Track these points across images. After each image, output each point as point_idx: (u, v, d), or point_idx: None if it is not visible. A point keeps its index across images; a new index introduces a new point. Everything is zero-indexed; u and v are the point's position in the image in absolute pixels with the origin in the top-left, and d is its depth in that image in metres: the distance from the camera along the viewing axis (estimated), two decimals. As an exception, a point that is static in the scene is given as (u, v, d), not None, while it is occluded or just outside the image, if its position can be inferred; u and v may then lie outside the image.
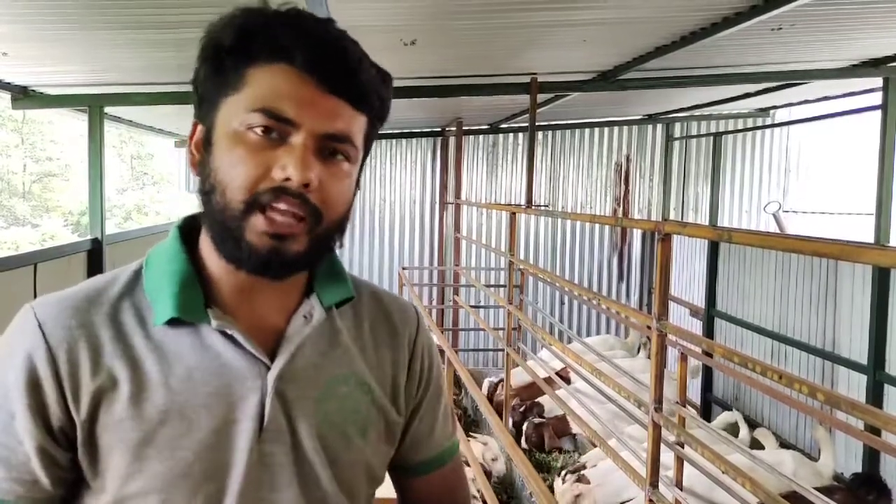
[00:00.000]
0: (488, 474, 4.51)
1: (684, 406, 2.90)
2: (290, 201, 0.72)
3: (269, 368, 0.78)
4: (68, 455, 0.73)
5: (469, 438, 5.01)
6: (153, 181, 23.89)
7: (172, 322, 0.75)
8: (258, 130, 0.72)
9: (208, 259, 0.80)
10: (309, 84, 0.73)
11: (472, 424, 6.29)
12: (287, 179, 0.71)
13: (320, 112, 0.73)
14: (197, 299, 0.77)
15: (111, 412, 0.72)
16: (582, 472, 4.18)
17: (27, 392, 0.71)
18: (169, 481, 0.72)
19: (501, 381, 5.78)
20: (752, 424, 5.36)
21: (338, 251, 0.84)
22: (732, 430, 4.92)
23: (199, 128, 0.78)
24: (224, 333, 0.76)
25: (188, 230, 0.82)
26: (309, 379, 0.80)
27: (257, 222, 0.72)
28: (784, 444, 4.84)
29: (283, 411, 0.78)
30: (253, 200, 0.72)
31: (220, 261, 0.78)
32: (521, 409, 5.67)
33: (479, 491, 3.82)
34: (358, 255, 8.57)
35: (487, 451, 5.06)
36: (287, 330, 0.81)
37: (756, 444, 4.48)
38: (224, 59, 0.75)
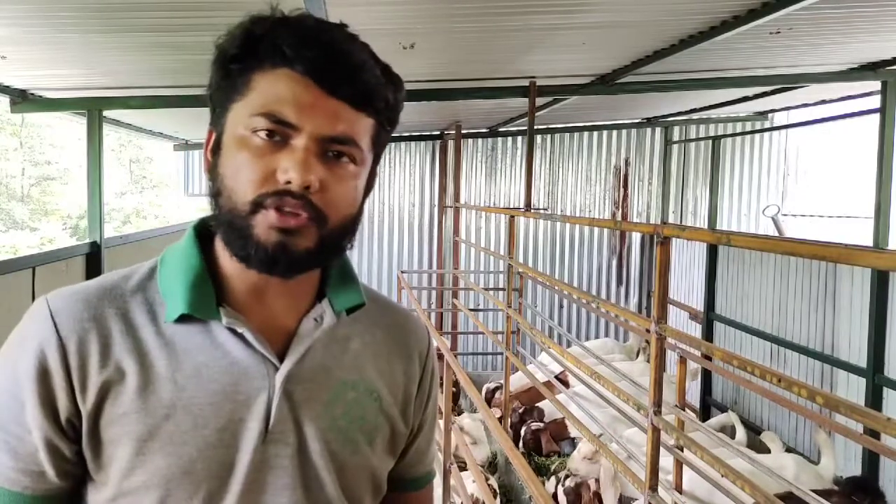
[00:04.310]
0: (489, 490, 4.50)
1: (683, 409, 2.90)
2: (293, 203, 0.73)
3: (277, 369, 0.78)
4: (75, 447, 0.73)
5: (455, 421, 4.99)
6: (152, 185, 23.89)
7: (184, 319, 0.76)
8: (262, 134, 0.73)
9: (222, 258, 0.81)
10: (310, 87, 0.74)
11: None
12: (289, 182, 0.72)
13: (321, 115, 0.74)
14: (209, 297, 0.77)
15: (117, 405, 0.72)
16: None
17: (37, 382, 0.71)
18: (170, 477, 0.72)
19: (500, 386, 5.78)
20: (752, 428, 5.36)
21: (348, 252, 0.85)
22: (730, 432, 4.92)
23: (213, 135, 0.80)
24: (234, 332, 0.77)
25: (204, 231, 0.83)
26: (318, 381, 0.81)
27: (265, 217, 0.73)
28: (784, 448, 4.83)
29: (291, 413, 0.78)
30: (258, 203, 0.73)
31: (231, 260, 0.79)
32: (521, 411, 5.66)
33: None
34: (357, 258, 8.56)
35: (465, 436, 5.05)
36: (297, 331, 0.82)
37: (763, 448, 4.48)
38: (230, 66, 0.76)
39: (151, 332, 0.76)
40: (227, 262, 0.80)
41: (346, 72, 0.75)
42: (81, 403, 0.72)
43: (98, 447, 0.73)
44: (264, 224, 0.73)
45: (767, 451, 4.42)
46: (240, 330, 0.77)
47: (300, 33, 0.74)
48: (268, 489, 0.76)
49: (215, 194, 0.76)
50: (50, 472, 0.72)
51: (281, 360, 0.79)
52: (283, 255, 0.74)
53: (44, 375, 0.72)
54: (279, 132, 0.73)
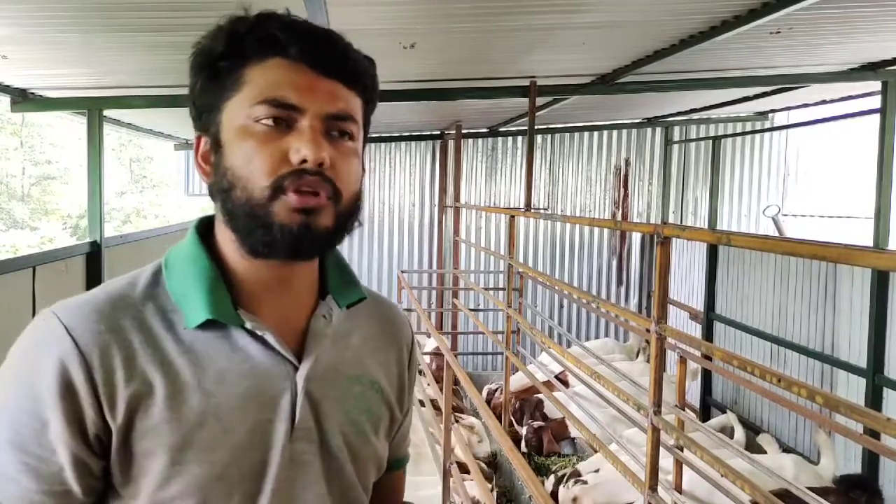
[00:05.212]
0: (486, 475, 4.50)
1: (683, 409, 2.90)
2: (311, 180, 0.74)
3: (296, 368, 0.80)
4: (102, 463, 0.72)
5: (456, 422, 5.00)
6: (152, 184, 23.88)
7: (203, 324, 0.76)
8: (267, 121, 0.74)
9: (230, 259, 0.81)
10: (305, 71, 0.76)
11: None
12: (304, 161, 0.74)
13: (321, 95, 0.76)
14: (226, 301, 0.78)
15: (148, 417, 0.72)
16: (580, 476, 4.18)
17: (61, 398, 0.69)
18: (206, 483, 0.73)
19: (500, 387, 5.78)
20: (752, 428, 5.35)
21: (348, 247, 0.86)
22: (730, 433, 4.92)
23: (203, 139, 0.80)
24: (254, 334, 0.78)
25: (204, 231, 0.83)
26: (330, 379, 0.83)
27: (286, 201, 0.74)
28: (784, 448, 4.83)
29: (312, 410, 0.80)
30: (277, 186, 0.74)
31: (243, 258, 0.79)
32: (518, 405, 5.66)
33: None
34: (357, 257, 8.57)
35: (473, 434, 5.06)
36: (310, 330, 0.83)
37: (759, 450, 4.48)
38: (219, 65, 0.77)
39: (171, 339, 0.75)
40: (238, 260, 0.80)
41: (335, 54, 0.78)
42: (110, 418, 0.71)
43: (129, 460, 0.72)
44: (285, 208, 0.74)
45: (764, 452, 4.42)
46: (261, 333, 0.78)
47: (284, 23, 0.77)
48: (297, 485, 0.79)
49: (226, 189, 0.76)
50: (76, 490, 0.71)
51: (297, 358, 0.80)
52: (307, 234, 0.75)
53: (69, 391, 0.69)
54: (284, 117, 0.75)
